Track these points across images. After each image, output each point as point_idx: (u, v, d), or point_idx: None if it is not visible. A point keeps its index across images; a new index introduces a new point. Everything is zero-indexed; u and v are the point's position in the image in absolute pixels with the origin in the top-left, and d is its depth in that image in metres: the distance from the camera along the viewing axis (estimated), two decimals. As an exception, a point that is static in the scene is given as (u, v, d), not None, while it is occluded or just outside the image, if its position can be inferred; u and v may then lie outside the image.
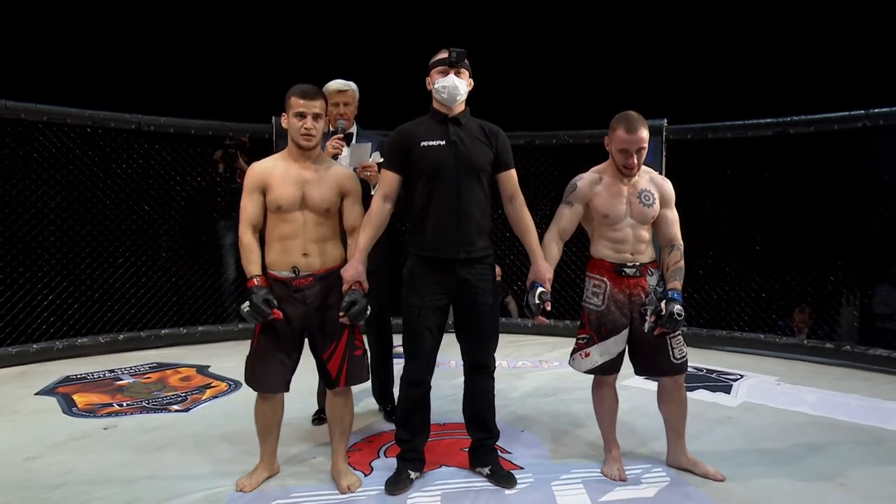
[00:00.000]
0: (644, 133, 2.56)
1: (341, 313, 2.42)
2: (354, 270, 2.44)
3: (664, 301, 2.55)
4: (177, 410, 3.56)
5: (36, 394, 3.85)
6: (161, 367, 4.51)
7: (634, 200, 2.61)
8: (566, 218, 2.66)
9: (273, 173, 2.46)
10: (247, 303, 2.36)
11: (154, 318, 5.16)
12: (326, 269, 2.48)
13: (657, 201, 2.64)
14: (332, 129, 3.17)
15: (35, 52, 5.53)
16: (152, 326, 5.14)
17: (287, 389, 2.56)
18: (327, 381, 2.56)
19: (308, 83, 2.49)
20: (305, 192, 2.44)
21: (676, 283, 2.59)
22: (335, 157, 3.03)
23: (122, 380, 4.17)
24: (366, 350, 2.61)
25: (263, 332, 2.47)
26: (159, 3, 6.02)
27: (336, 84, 3.22)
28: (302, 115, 2.42)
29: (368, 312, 2.48)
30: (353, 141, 3.20)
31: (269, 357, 2.47)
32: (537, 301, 2.47)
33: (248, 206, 2.45)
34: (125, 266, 5.06)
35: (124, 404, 3.65)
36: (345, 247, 2.58)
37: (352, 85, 3.26)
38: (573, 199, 2.66)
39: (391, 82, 3.58)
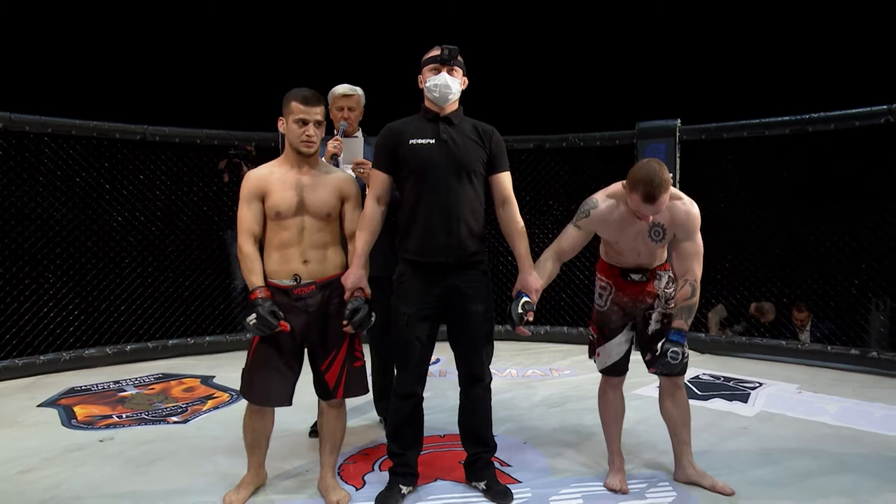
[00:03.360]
0: (663, 198, 2.28)
1: (345, 322, 2.34)
2: (355, 277, 2.37)
3: (663, 341, 2.40)
4: (175, 422, 3.51)
5: (38, 405, 3.83)
6: (166, 377, 4.48)
7: (646, 237, 2.47)
8: (570, 240, 2.50)
9: (271, 179, 2.39)
10: (253, 315, 2.26)
11: (161, 328, 5.15)
12: (328, 277, 2.40)
13: (666, 236, 2.47)
14: (335, 131, 3.14)
15: (39, 65, 5.58)
16: (159, 337, 5.12)
17: (289, 403, 2.46)
18: (324, 393, 2.48)
19: (309, 88, 2.42)
20: (304, 196, 2.37)
21: (681, 323, 2.39)
22: (335, 156, 2.99)
23: (125, 391, 4.14)
24: (365, 362, 2.52)
25: (263, 342, 2.38)
26: (162, 13, 6.04)
27: (342, 88, 3.20)
28: (304, 122, 2.35)
29: (373, 320, 2.39)
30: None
31: (268, 368, 2.39)
32: (520, 311, 2.35)
33: (247, 215, 2.37)
34: (132, 277, 5.06)
35: (123, 416, 3.61)
36: (345, 252, 2.50)
37: (358, 90, 3.22)
38: (583, 225, 2.48)
39: (396, 88, 3.51)
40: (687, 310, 2.40)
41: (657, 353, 2.41)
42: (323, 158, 2.98)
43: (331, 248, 2.44)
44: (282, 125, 2.40)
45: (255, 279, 2.33)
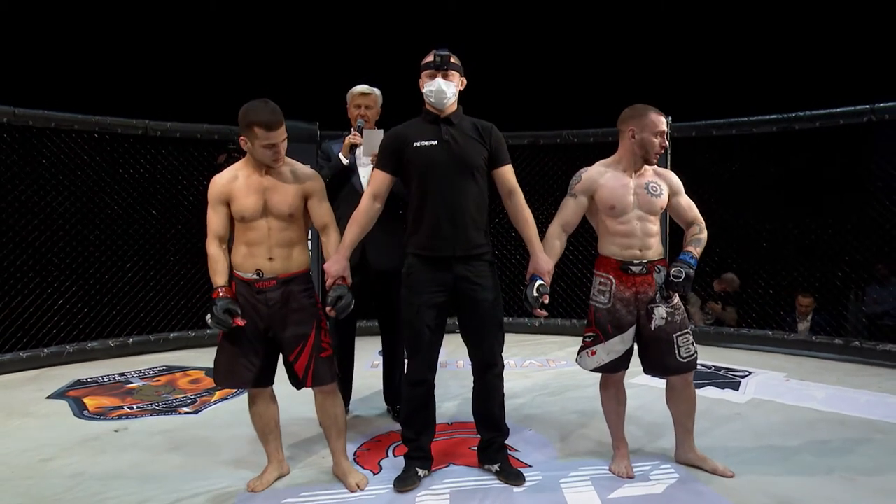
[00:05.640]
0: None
1: (328, 308, 2.44)
2: (339, 266, 2.46)
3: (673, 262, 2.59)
4: (186, 412, 3.59)
5: (48, 397, 3.89)
6: (170, 370, 4.54)
7: (641, 191, 2.60)
8: (570, 210, 2.65)
9: (234, 186, 2.46)
10: (209, 314, 2.41)
11: (163, 321, 5.20)
12: (290, 274, 2.49)
13: (665, 192, 2.64)
14: (353, 127, 3.26)
15: (42, 60, 5.58)
16: (161, 330, 5.17)
17: (258, 385, 2.55)
18: (295, 382, 2.58)
19: (269, 99, 2.39)
20: (267, 199, 2.45)
21: (690, 249, 2.59)
22: (353, 146, 3.16)
23: (132, 383, 4.20)
24: (334, 352, 2.60)
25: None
26: (164, 8, 6.05)
27: (360, 87, 3.36)
28: (272, 146, 2.38)
29: (353, 306, 2.48)
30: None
31: (230, 353, 2.49)
32: (535, 294, 2.46)
33: (214, 220, 2.46)
34: (134, 270, 5.10)
35: (134, 407, 3.68)
36: (310, 249, 2.60)
37: (376, 90, 3.39)
38: (578, 191, 2.65)
39: (394, 86, 3.60)
40: (696, 241, 2.62)
41: (666, 275, 2.56)
42: (340, 154, 3.11)
43: (296, 246, 2.53)
44: (244, 142, 2.41)
45: (217, 279, 2.44)
